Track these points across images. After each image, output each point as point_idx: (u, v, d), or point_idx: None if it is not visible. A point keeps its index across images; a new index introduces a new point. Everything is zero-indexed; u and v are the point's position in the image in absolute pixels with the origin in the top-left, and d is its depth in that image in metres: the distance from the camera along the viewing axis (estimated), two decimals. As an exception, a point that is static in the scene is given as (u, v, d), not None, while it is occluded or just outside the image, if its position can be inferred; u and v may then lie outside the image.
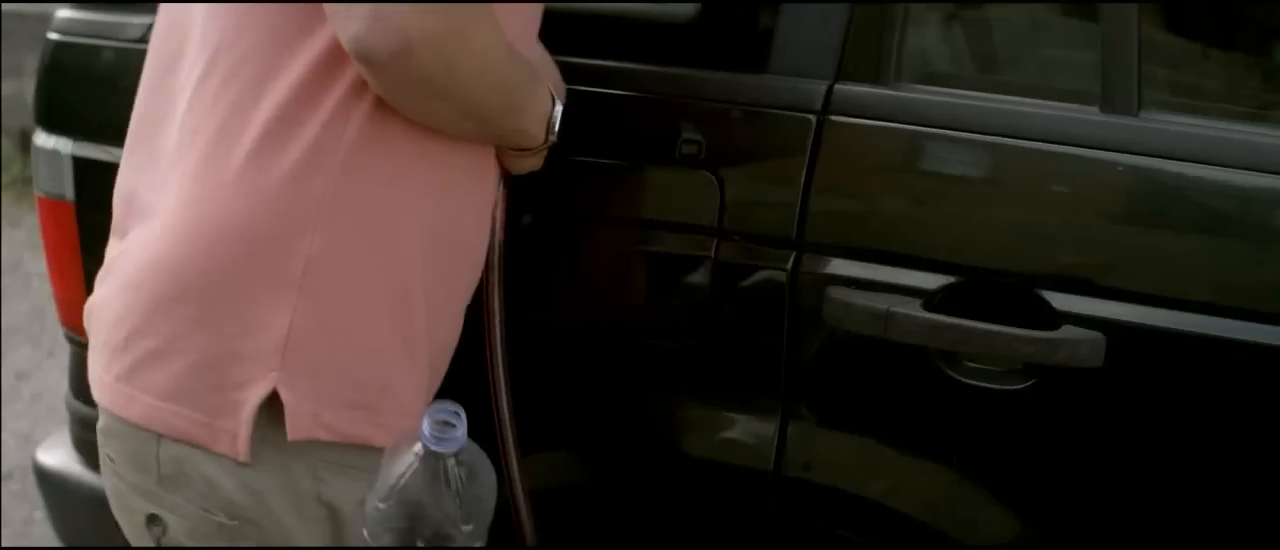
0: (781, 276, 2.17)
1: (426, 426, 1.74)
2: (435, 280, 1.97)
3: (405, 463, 1.77)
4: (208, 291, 1.88)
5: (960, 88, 2.23)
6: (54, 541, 2.08)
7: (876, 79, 2.19)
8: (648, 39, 2.28)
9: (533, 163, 2.11)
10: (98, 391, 1.99)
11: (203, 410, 1.89)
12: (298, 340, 1.87)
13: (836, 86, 2.17)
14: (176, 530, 1.96)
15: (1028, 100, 2.16)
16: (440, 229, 1.96)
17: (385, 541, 1.78)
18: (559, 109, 2.05)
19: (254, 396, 1.87)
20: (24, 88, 7.71)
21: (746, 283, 2.20)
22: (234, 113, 1.89)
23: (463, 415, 1.76)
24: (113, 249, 2.04)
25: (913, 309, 2.08)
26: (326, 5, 1.82)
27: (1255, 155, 2.03)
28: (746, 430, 2.27)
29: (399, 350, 1.94)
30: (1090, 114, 2.09)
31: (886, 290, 2.12)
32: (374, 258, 1.90)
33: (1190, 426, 2.05)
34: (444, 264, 1.99)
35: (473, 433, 1.78)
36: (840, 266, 2.15)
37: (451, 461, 1.75)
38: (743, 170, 2.22)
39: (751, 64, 2.23)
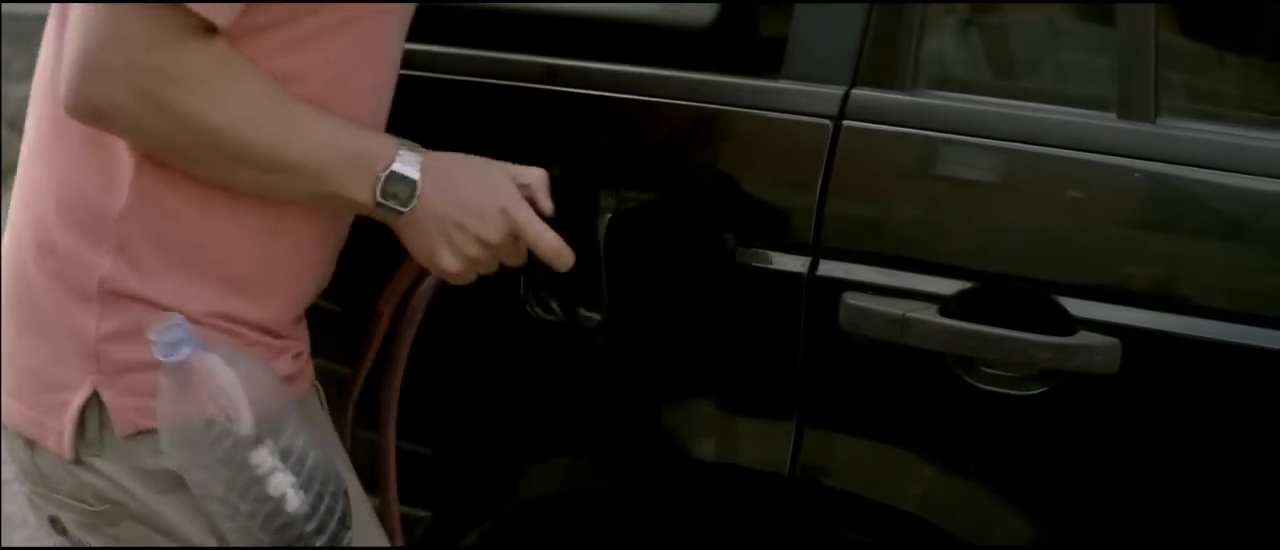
0: (797, 281, 2.17)
1: (159, 349, 1.78)
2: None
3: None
4: (23, 304, 2.01)
5: (977, 93, 2.23)
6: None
7: (893, 85, 2.18)
8: (664, 45, 2.28)
9: (415, 240, 1.99)
10: None
11: (37, 408, 2.00)
12: (107, 344, 1.94)
13: (853, 92, 2.17)
14: (72, 525, 2.06)
15: (1045, 106, 2.16)
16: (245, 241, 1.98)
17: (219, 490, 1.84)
18: (393, 174, 1.93)
19: (76, 399, 1.96)
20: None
21: (762, 287, 2.20)
22: (48, 125, 1.99)
23: (184, 321, 1.79)
24: None
25: (929, 314, 2.08)
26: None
27: (1272, 161, 2.02)
28: (761, 434, 2.27)
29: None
30: (1107, 120, 2.09)
31: (903, 296, 2.11)
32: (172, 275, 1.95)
33: (1206, 433, 2.05)
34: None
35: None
36: (856, 272, 2.15)
37: (207, 358, 1.81)
38: (758, 175, 2.22)
39: (767, 69, 2.23)
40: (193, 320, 1.85)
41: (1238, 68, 2.39)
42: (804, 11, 2.23)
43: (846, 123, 2.16)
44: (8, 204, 2.08)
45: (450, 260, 1.98)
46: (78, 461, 1.98)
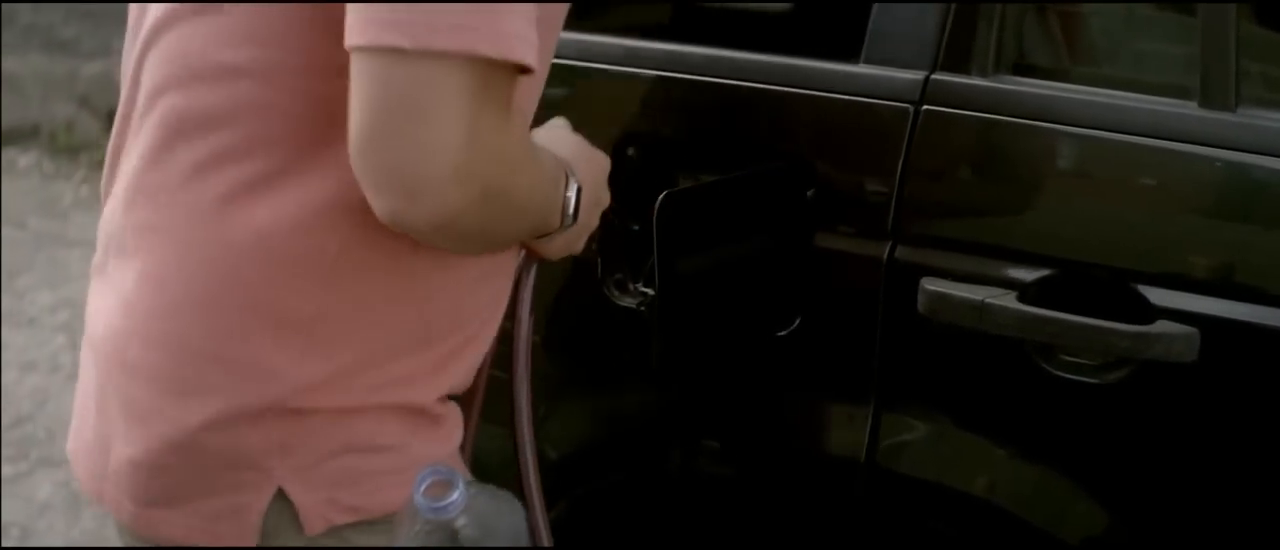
0: (876, 266, 2.17)
1: (419, 495, 1.62)
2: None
3: (410, 534, 1.66)
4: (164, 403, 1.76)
5: (1057, 79, 2.23)
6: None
7: (974, 70, 2.18)
8: (743, 28, 2.29)
9: (561, 245, 1.89)
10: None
11: (198, 516, 1.78)
12: (296, 437, 1.74)
13: (933, 77, 2.17)
14: None
15: (1125, 94, 2.15)
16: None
17: None
18: (574, 191, 1.79)
19: (259, 501, 1.75)
20: (112, 67, 7.78)
21: (840, 272, 2.20)
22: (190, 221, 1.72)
23: (456, 471, 1.63)
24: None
25: (1008, 301, 2.07)
26: (356, 171, 1.57)
27: (1354, 151, 2.01)
28: (838, 420, 2.27)
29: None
30: (1188, 108, 2.08)
31: (981, 282, 2.11)
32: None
33: (1285, 423, 2.04)
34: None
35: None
36: (934, 258, 2.15)
37: (461, 522, 1.64)
38: (838, 160, 2.22)
39: (847, 54, 2.23)
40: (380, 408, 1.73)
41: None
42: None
43: (926, 107, 2.15)
44: (86, 191, 1.95)
45: (583, 243, 1.93)
46: None
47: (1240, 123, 2.05)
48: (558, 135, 1.92)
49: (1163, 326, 2.02)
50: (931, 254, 2.15)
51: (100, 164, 1.90)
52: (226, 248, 1.69)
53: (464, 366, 1.85)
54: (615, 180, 1.98)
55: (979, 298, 2.06)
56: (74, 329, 5.80)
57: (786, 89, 2.24)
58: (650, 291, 2.19)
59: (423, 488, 1.61)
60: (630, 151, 2.10)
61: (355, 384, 1.73)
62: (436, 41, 1.49)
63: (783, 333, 2.24)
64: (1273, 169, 2.03)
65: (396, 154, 1.52)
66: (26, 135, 8.25)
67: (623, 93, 2.37)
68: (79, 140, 8.01)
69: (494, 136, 1.55)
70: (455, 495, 1.61)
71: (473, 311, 1.84)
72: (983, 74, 2.18)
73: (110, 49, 7.86)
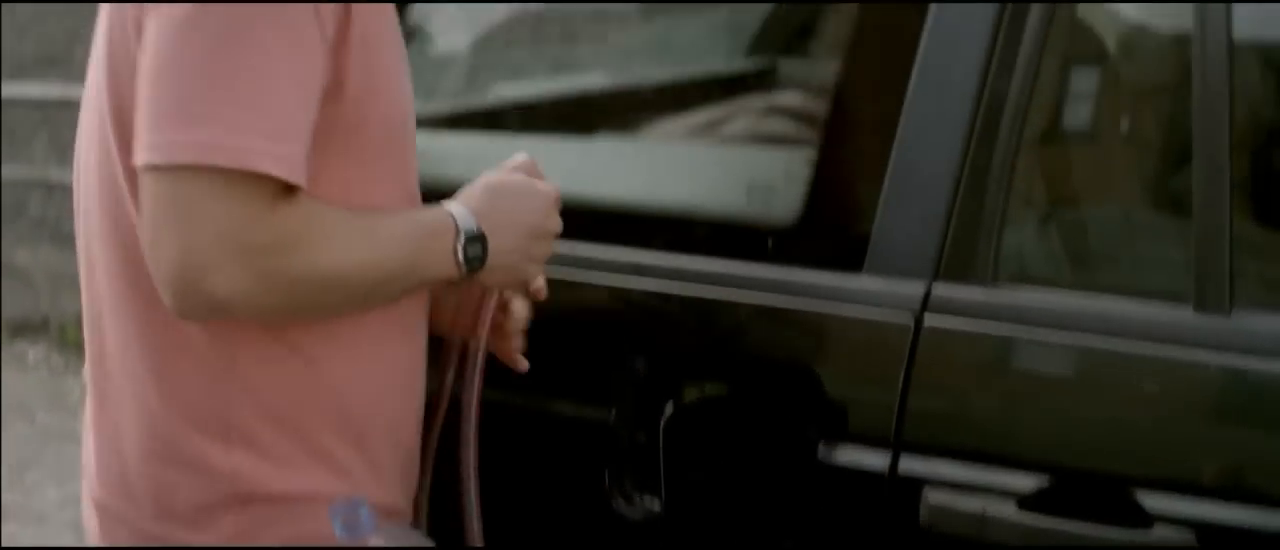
0: (878, 480, 2.19)
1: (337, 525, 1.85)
2: None
3: None
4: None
5: (1056, 287, 2.27)
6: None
7: (974, 278, 2.22)
8: (749, 241, 2.32)
9: (501, 278, 2.08)
10: None
11: None
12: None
13: (935, 286, 2.21)
14: None
15: (1122, 299, 2.18)
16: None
17: None
18: (460, 241, 1.98)
19: None
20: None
21: (842, 484, 2.22)
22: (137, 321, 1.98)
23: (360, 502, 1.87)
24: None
25: (1008, 510, 2.09)
26: (144, 251, 1.84)
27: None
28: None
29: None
30: (1183, 312, 2.11)
31: (982, 492, 2.12)
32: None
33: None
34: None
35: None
36: (937, 467, 2.16)
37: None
38: (840, 370, 2.25)
39: (850, 264, 2.27)
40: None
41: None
42: (887, 206, 2.27)
43: (928, 316, 2.19)
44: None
45: (536, 270, 2.10)
46: None
47: (1235, 325, 2.07)
48: (476, 185, 2.06)
49: (1160, 531, 2.03)
50: (934, 464, 2.17)
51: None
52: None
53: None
54: (621, 392, 2.01)
55: (979, 509, 2.08)
56: (83, 528, 5.78)
57: (791, 300, 2.28)
58: (657, 504, 2.21)
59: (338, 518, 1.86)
60: (638, 364, 2.13)
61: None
62: (182, 157, 1.76)
63: (789, 546, 2.26)
64: (1268, 372, 2.06)
65: (164, 255, 1.78)
66: (36, 329, 8.27)
67: (629, 305, 2.41)
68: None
69: (248, 226, 1.78)
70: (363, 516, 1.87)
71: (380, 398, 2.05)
72: (983, 282, 2.21)
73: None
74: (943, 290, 2.21)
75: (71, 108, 8.60)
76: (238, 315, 1.85)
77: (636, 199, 2.55)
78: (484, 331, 2.13)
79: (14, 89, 8.66)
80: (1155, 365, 2.10)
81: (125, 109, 1.87)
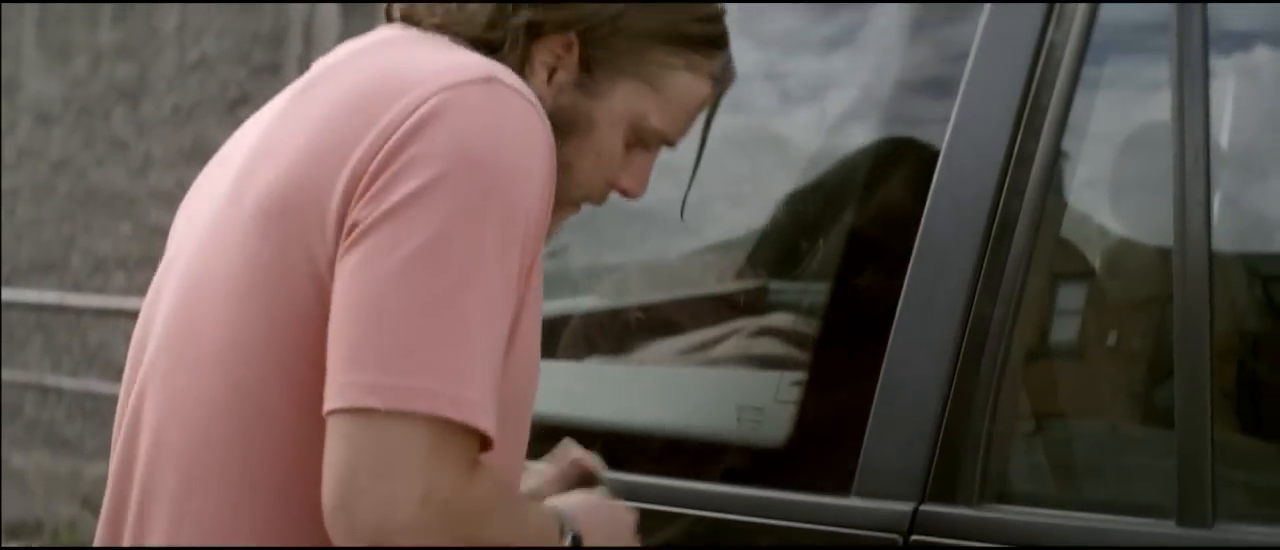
0: None
1: None
2: None
3: None
4: None
5: (1041, 506, 2.29)
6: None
7: (960, 500, 2.24)
8: (736, 463, 2.35)
9: None
10: None
11: None
12: None
13: (921, 508, 2.24)
14: None
15: (1104, 517, 2.20)
16: None
17: None
18: (569, 539, 1.90)
19: None
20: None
21: None
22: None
23: None
24: None
25: None
26: (327, 525, 1.70)
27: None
28: None
29: None
30: (1166, 528, 2.12)
31: None
32: None
33: None
34: None
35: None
36: None
37: None
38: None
39: (839, 486, 2.30)
40: None
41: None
42: (876, 427, 2.30)
43: (914, 538, 2.22)
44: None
45: None
46: None
47: (1217, 538, 2.08)
48: (571, 495, 2.03)
49: None
50: None
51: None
52: None
53: None
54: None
55: None
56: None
57: (779, 523, 2.31)
58: None
59: None
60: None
61: None
62: (405, 403, 1.66)
63: None
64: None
65: (363, 505, 1.66)
66: (30, 532, 8.27)
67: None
68: (82, 540, 8.00)
69: (455, 491, 1.68)
70: None
71: None
72: (969, 504, 2.24)
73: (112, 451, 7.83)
74: (930, 511, 2.23)
75: (66, 313, 8.60)
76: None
77: (627, 421, 2.57)
78: None
79: (10, 294, 8.71)
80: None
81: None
